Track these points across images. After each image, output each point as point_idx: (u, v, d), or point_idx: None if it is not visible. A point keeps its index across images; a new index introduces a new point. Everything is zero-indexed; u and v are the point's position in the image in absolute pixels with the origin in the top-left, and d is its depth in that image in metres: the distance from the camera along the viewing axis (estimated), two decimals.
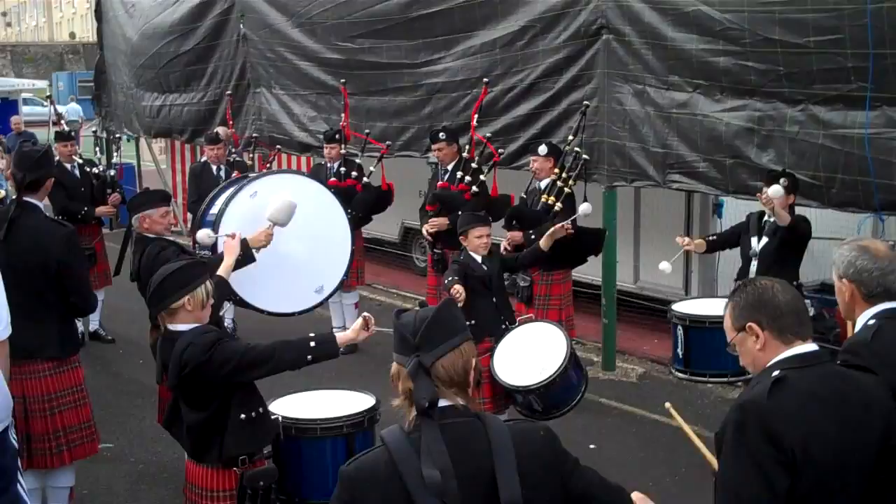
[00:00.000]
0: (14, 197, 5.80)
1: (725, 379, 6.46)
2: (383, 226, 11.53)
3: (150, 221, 6.18)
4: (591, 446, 7.06)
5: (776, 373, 2.84)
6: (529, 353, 6.29)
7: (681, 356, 6.38)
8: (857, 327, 3.59)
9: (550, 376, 6.03)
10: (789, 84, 7.08)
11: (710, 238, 7.49)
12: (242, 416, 4.39)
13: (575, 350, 6.36)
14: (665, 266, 6.83)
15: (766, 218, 6.89)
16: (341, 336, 4.54)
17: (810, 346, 2.93)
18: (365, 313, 4.63)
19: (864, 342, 3.43)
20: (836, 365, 2.95)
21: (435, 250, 8.86)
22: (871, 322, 3.52)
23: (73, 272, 5.66)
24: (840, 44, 6.68)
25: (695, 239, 7.36)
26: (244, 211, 6.35)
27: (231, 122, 11.85)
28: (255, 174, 6.99)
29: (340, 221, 7.03)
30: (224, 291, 5.37)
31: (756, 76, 7.25)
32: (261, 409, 4.54)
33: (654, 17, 7.87)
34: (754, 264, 6.87)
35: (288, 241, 6.40)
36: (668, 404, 3.47)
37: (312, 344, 4.38)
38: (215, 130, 11.40)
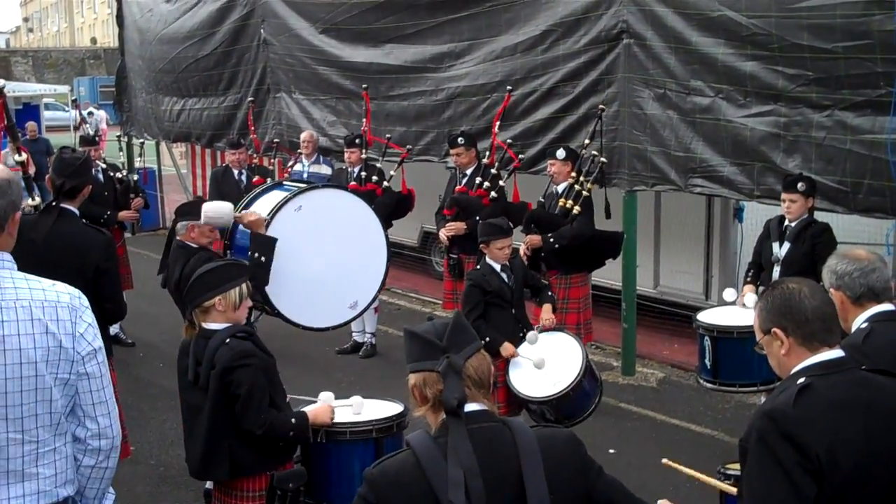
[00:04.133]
0: (50, 202, 5.83)
1: (755, 388, 6.40)
2: (403, 230, 11.54)
3: (198, 231, 6.14)
4: (611, 451, 7.04)
5: (802, 380, 2.82)
6: (545, 363, 6.27)
7: (709, 367, 6.31)
8: (852, 331, 3.63)
9: (563, 390, 5.99)
10: (818, 89, 7.05)
11: (750, 275, 7.20)
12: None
13: (590, 362, 6.32)
14: (750, 300, 6.72)
15: (786, 223, 6.86)
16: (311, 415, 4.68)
17: (836, 353, 2.91)
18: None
19: (856, 345, 3.47)
20: (862, 371, 2.94)
21: (451, 255, 8.85)
22: (864, 325, 3.59)
23: (110, 278, 5.72)
24: (869, 49, 6.65)
25: (744, 292, 7.04)
26: (289, 225, 6.39)
27: (253, 127, 11.90)
28: (297, 187, 7.01)
29: (377, 238, 7.06)
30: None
31: (784, 81, 7.22)
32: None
33: (677, 22, 7.86)
34: (777, 270, 6.83)
35: (325, 256, 6.47)
36: (665, 461, 3.37)
37: (293, 420, 4.54)
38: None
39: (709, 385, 6.49)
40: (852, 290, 3.61)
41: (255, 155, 11.22)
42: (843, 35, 6.78)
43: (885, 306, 3.61)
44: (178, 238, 6.28)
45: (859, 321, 3.61)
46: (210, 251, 6.22)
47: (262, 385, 4.43)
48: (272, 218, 6.52)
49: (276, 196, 6.89)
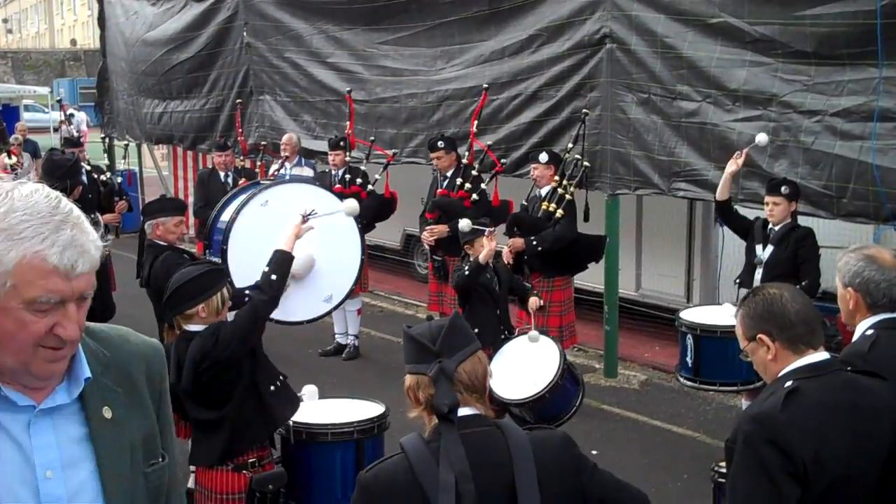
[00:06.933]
0: None
1: (735, 388, 6.44)
2: (385, 233, 11.55)
3: (163, 229, 6.16)
4: (594, 452, 7.06)
5: (789, 384, 2.85)
6: (523, 366, 6.27)
7: (690, 364, 6.35)
8: (856, 336, 3.62)
9: (539, 392, 6.00)
10: (813, 95, 7.11)
11: (732, 203, 7.27)
12: (272, 387, 4.59)
13: (569, 364, 6.32)
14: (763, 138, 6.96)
15: (770, 226, 6.91)
16: (286, 241, 5.03)
17: (822, 355, 2.94)
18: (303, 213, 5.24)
19: (861, 353, 3.45)
20: (848, 372, 2.97)
21: (435, 257, 8.89)
22: (869, 332, 3.55)
23: (98, 279, 5.72)
24: (873, 55, 6.71)
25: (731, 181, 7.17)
26: (255, 220, 6.38)
27: (240, 129, 11.88)
28: (266, 182, 7.00)
29: (351, 232, 7.05)
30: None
31: (780, 86, 7.26)
32: (283, 378, 4.75)
33: (668, 28, 7.90)
34: (759, 272, 6.88)
35: (297, 251, 6.46)
36: None
37: (273, 277, 4.80)
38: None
39: (688, 383, 6.53)
40: (874, 297, 3.57)
41: (241, 158, 11.19)
42: (845, 42, 6.83)
43: (893, 314, 3.60)
44: (147, 237, 6.33)
45: (865, 325, 3.59)
46: (179, 250, 6.24)
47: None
48: (237, 214, 6.50)
49: (243, 196, 6.88)
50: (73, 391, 2.07)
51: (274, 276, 4.79)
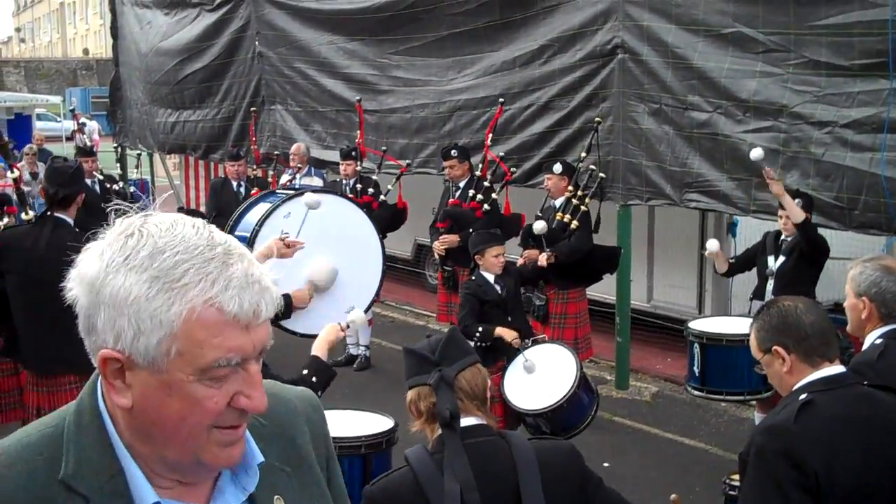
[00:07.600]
0: (44, 212, 5.83)
1: (742, 397, 6.44)
2: (396, 243, 11.56)
3: None
4: (605, 465, 7.05)
5: (803, 396, 2.85)
6: (539, 376, 6.28)
7: (697, 374, 6.37)
8: (865, 345, 3.64)
9: (558, 401, 6.01)
10: (824, 105, 7.09)
11: (731, 260, 7.52)
12: None
13: (585, 373, 6.34)
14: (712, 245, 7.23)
15: (782, 237, 6.90)
16: (320, 347, 4.68)
17: (837, 368, 2.94)
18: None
19: (870, 362, 3.47)
20: (863, 386, 2.96)
21: (445, 267, 8.90)
22: (879, 341, 3.58)
23: None
24: (882, 67, 6.71)
25: (722, 257, 7.40)
26: (278, 233, 6.37)
27: (254, 139, 11.93)
28: (286, 193, 6.99)
29: (373, 243, 7.04)
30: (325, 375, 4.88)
31: (791, 96, 7.25)
32: None
33: (679, 38, 7.90)
34: (771, 283, 6.87)
35: (323, 263, 6.47)
36: (673, 496, 3.38)
37: (314, 379, 4.49)
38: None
39: (696, 392, 6.54)
40: (889, 307, 3.58)
41: (253, 167, 11.23)
42: (859, 53, 6.83)
43: None
44: None
45: (874, 335, 3.61)
46: None
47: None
48: (260, 227, 6.51)
49: (266, 206, 6.89)
50: (246, 483, 1.58)
51: (314, 379, 4.66)
